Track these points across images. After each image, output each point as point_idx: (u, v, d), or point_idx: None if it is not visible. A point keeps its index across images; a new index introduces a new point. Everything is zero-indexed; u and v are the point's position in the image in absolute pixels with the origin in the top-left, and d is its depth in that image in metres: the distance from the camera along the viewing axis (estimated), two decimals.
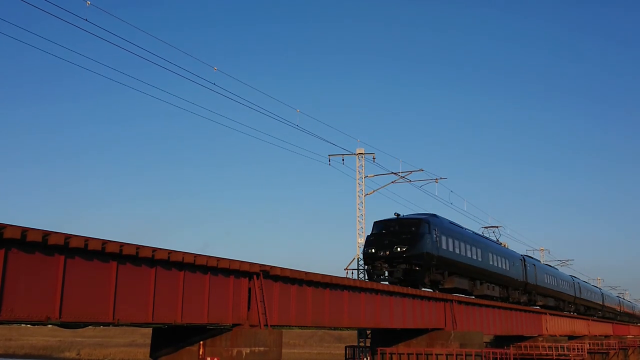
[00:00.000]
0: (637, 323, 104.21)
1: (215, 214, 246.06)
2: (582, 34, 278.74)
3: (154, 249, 16.46)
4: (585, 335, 66.82)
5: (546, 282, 59.90)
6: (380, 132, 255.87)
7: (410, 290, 31.01)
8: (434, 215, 37.27)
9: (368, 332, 37.61)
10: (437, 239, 35.11)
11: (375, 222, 35.76)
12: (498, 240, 53.82)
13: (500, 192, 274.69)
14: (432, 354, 32.93)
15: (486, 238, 47.57)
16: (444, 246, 35.97)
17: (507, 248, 52.90)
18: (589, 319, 74.18)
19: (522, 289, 51.64)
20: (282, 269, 21.62)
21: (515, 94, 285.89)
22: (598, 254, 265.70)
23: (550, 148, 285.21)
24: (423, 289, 33.89)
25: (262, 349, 19.38)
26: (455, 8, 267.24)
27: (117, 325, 15.90)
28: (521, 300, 51.33)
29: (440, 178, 43.98)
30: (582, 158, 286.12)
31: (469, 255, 39.94)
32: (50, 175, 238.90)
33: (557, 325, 59.16)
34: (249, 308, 19.89)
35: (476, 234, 45.29)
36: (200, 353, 18.82)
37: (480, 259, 42.00)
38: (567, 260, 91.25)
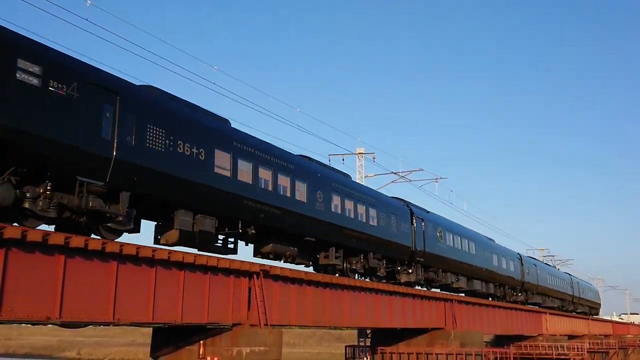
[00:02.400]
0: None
1: None
2: (583, 32, 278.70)
3: (154, 249, 16.47)
4: (585, 334, 66.77)
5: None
6: (380, 131, 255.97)
7: (410, 290, 31.02)
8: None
9: (368, 331, 37.60)
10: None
11: None
12: None
13: (500, 192, 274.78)
14: (432, 354, 32.93)
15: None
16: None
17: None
18: (588, 319, 74.15)
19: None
20: (282, 268, 21.66)
21: (515, 93, 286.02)
22: (598, 253, 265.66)
23: (551, 148, 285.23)
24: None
25: (262, 348, 19.38)
26: (457, 8, 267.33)
27: (117, 325, 15.89)
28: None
29: (440, 178, 44.09)
30: (582, 158, 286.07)
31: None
32: None
33: (557, 324, 59.15)
34: (249, 308, 19.89)
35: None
36: (201, 353, 18.82)
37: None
38: (567, 260, 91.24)
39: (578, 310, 72.31)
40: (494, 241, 46.66)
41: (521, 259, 50.94)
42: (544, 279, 56.85)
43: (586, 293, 77.26)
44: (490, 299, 43.73)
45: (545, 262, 70.57)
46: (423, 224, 32.31)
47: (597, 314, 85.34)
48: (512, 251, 50.08)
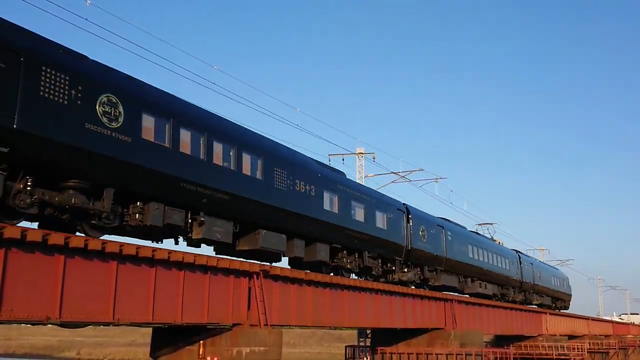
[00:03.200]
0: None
1: None
2: (583, 32, 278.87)
3: (154, 249, 16.47)
4: (585, 334, 66.83)
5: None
6: (380, 131, 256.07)
7: (410, 290, 31.02)
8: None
9: (368, 331, 37.62)
10: None
11: None
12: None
13: (500, 192, 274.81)
14: (432, 354, 32.94)
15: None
16: None
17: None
18: (588, 319, 74.20)
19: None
20: (282, 268, 21.68)
21: (515, 93, 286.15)
22: (598, 253, 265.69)
23: (551, 147, 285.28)
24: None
25: (262, 348, 19.39)
26: (456, 7, 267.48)
27: (117, 325, 15.89)
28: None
29: (440, 178, 43.95)
30: (583, 157, 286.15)
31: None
32: None
33: (557, 324, 59.19)
34: (249, 308, 19.90)
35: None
36: (201, 353, 18.82)
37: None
38: (567, 260, 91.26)
39: (534, 303, 54.73)
40: (368, 188, 29.80)
41: (408, 214, 31.32)
42: (461, 251, 37.36)
43: (547, 280, 58.15)
44: (354, 276, 27.43)
45: (477, 231, 49.58)
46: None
47: (565, 307, 66.28)
48: (387, 198, 30.43)
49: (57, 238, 13.73)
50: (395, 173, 42.29)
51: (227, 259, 19.35)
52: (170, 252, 16.92)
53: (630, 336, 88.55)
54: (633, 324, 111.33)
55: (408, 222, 30.95)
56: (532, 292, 53.34)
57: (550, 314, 57.55)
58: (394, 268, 29.86)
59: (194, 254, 18.03)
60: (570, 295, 68.05)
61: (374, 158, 41.12)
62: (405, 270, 30.78)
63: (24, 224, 14.16)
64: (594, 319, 78.29)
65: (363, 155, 41.61)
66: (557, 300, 62.83)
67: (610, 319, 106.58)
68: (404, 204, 31.50)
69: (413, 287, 31.68)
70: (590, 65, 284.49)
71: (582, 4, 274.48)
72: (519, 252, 52.60)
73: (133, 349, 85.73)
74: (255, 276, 20.09)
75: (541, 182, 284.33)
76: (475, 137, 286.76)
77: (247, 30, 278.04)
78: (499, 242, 50.81)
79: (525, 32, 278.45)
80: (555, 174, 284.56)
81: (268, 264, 21.37)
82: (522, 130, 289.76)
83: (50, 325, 15.93)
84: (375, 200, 28.02)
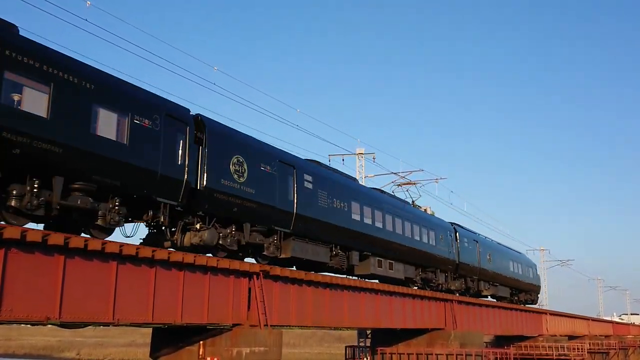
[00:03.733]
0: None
1: None
2: (583, 32, 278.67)
3: (154, 249, 16.45)
4: (585, 335, 66.84)
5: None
6: (380, 132, 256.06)
7: (410, 290, 31.00)
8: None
9: (368, 332, 37.61)
10: None
11: None
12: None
13: (500, 192, 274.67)
14: (432, 354, 32.93)
15: None
16: None
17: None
18: (589, 319, 74.17)
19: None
20: (282, 269, 21.63)
21: (515, 93, 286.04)
22: (598, 253, 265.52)
23: (552, 147, 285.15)
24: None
25: (262, 349, 19.37)
26: (455, 7, 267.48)
27: (117, 325, 15.88)
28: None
29: (441, 178, 43.81)
30: (583, 157, 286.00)
31: None
32: None
33: (557, 325, 59.19)
34: (249, 308, 19.88)
35: None
36: (200, 353, 18.81)
37: None
38: (567, 260, 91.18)
39: (485, 293, 42.08)
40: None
41: (200, 130, 18.19)
42: (337, 209, 24.38)
43: (502, 265, 44.70)
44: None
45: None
46: None
47: (532, 301, 54.69)
48: (137, 92, 16.31)
49: (56, 238, 13.72)
50: (395, 173, 42.28)
51: (227, 259, 19.32)
52: (170, 252, 16.92)
53: (631, 336, 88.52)
54: (633, 324, 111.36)
55: (198, 142, 18.04)
56: (476, 278, 39.99)
57: (551, 314, 57.59)
58: (161, 218, 16.73)
59: (194, 254, 18.02)
60: (538, 287, 55.57)
61: (374, 158, 41.14)
62: (198, 226, 18.13)
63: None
64: (594, 319, 78.31)
65: (363, 155, 41.65)
66: (520, 292, 50.00)
67: (610, 319, 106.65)
68: (198, 114, 18.56)
69: (224, 255, 19.37)
70: (590, 65, 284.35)
71: (582, 4, 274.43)
72: (456, 224, 38.94)
73: (133, 349, 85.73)
74: (255, 276, 20.07)
75: (541, 182, 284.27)
76: (475, 137, 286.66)
77: (247, 30, 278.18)
78: (427, 210, 38.29)
79: (525, 32, 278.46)
80: (555, 174, 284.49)
81: (268, 264, 21.37)
82: (522, 130, 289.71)
83: (50, 326, 15.91)
84: (99, 88, 14.88)
